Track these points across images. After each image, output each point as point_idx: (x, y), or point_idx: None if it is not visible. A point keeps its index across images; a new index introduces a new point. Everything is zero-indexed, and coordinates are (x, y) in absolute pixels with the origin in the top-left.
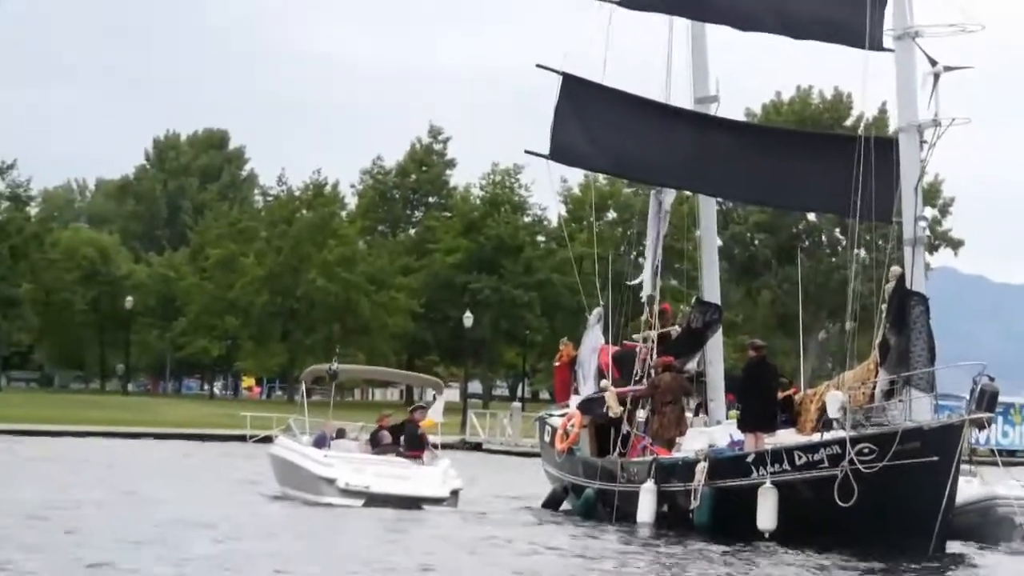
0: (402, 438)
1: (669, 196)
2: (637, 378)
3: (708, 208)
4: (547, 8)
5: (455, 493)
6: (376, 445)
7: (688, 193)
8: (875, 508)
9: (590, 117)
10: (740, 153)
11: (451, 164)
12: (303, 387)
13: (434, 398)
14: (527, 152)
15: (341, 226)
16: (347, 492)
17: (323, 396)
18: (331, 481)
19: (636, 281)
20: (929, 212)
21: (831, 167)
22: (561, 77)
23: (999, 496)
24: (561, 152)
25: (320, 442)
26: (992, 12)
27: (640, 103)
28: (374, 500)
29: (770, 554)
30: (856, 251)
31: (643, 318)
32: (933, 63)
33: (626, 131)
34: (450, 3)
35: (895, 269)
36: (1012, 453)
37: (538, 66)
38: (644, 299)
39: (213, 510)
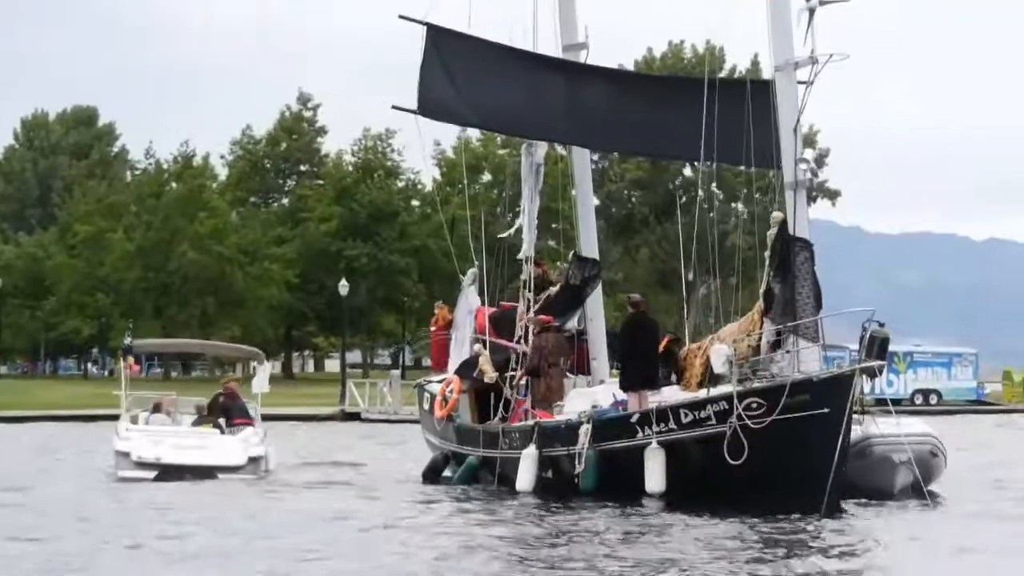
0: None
1: (541, 150)
2: (516, 339)
3: (582, 160)
4: None
5: (254, 460)
6: (210, 412)
7: (562, 151)
8: (766, 465)
9: (457, 69)
10: (613, 102)
11: (322, 131)
12: (123, 363)
13: (254, 370)
14: (394, 108)
15: (211, 198)
16: (140, 464)
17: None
18: (126, 455)
19: (506, 234)
20: (810, 154)
21: (706, 113)
22: (425, 28)
23: (873, 435)
24: (429, 107)
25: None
26: None
27: (508, 53)
28: (167, 471)
29: (657, 516)
30: (734, 205)
31: (521, 277)
32: None
33: (494, 83)
34: None
35: (777, 215)
36: (897, 402)
37: (400, 16)
38: (521, 258)
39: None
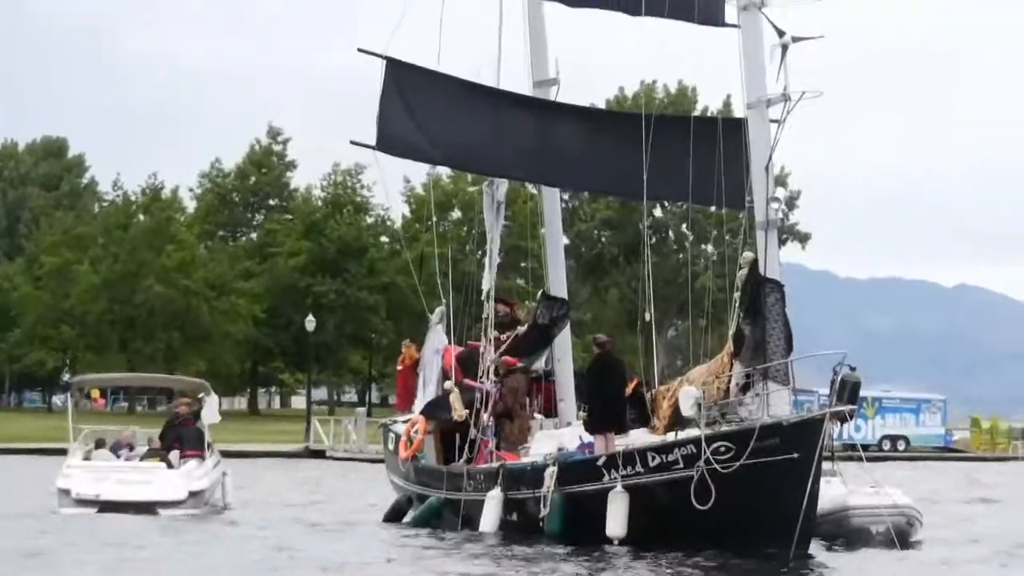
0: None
1: (503, 187)
2: (481, 379)
3: (552, 199)
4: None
5: (196, 495)
6: (162, 441)
7: (533, 190)
8: (734, 510)
9: (418, 104)
10: (582, 140)
11: (291, 166)
12: (69, 397)
13: (201, 401)
14: (352, 143)
15: (179, 231)
16: (80, 501)
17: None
18: (66, 492)
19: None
20: (782, 193)
21: (679, 152)
22: (384, 62)
23: (852, 506)
24: (388, 143)
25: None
26: None
27: (472, 88)
28: (107, 507)
29: (618, 560)
30: (704, 247)
31: (484, 315)
32: (781, 34)
33: (458, 119)
34: (287, 2)
35: (747, 255)
36: (865, 447)
37: (359, 50)
38: (484, 297)
39: None
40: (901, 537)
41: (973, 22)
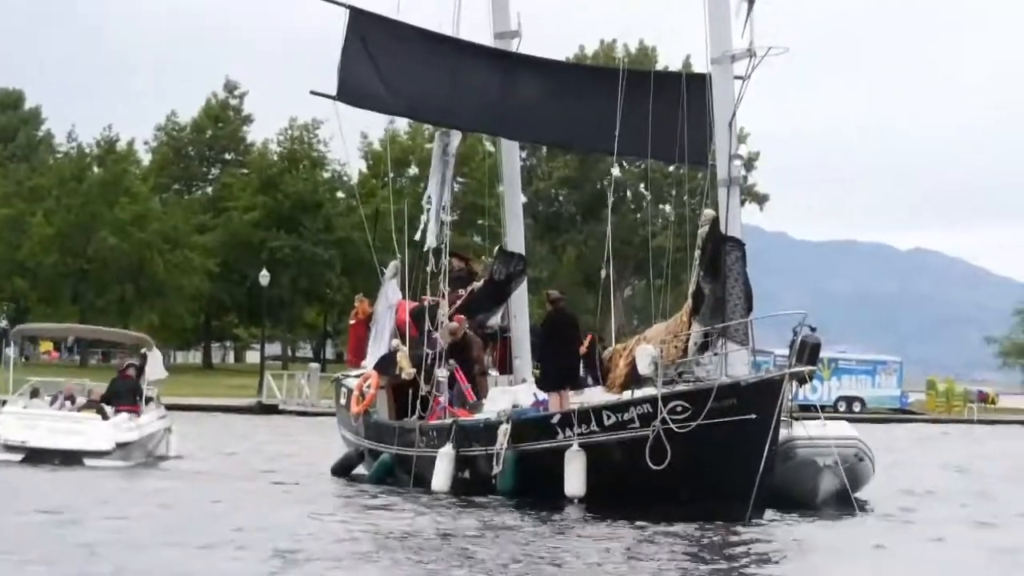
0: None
1: (456, 138)
2: (431, 335)
3: (511, 153)
4: None
5: (124, 447)
6: (111, 395)
7: (491, 147)
8: (690, 470)
9: (380, 54)
10: (544, 93)
11: (248, 120)
12: (12, 346)
13: (144, 356)
14: (312, 93)
15: (134, 184)
16: (8, 447)
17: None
18: None
19: (418, 235)
20: (744, 151)
21: (641, 107)
22: (348, 11)
23: (797, 438)
24: (349, 93)
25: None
26: None
27: (435, 39)
28: (34, 455)
29: (575, 522)
30: (662, 207)
31: (428, 269)
32: None
33: (420, 70)
34: None
35: (708, 212)
36: (821, 408)
37: None
38: (429, 250)
39: None
40: (851, 473)
41: None
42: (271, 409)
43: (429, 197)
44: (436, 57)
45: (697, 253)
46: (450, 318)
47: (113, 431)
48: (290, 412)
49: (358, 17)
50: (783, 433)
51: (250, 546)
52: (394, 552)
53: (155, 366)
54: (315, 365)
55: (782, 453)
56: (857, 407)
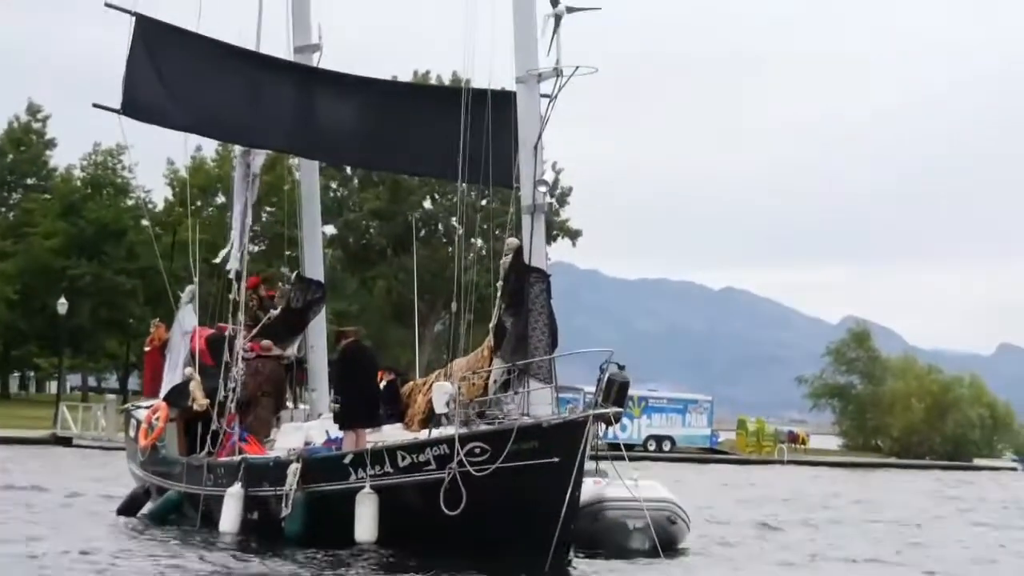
0: None
1: (259, 158)
2: (227, 364)
3: (310, 172)
4: None
5: None
6: None
7: (298, 174)
8: (488, 516)
9: (168, 66)
10: (345, 110)
11: (51, 144)
12: None
13: None
14: (95, 106)
15: None
16: None
17: None
18: None
19: (220, 257)
20: (550, 175)
21: (446, 126)
22: (133, 18)
23: (608, 498)
24: (135, 107)
25: None
26: None
27: (227, 51)
28: None
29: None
30: (473, 240)
31: (231, 296)
32: (555, 3)
33: (213, 84)
34: None
35: (512, 241)
36: (630, 447)
37: (107, 5)
38: (231, 275)
39: None
40: (663, 536)
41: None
42: (66, 442)
43: (231, 217)
44: (228, 69)
45: (499, 284)
46: (246, 349)
47: None
48: (85, 446)
49: (145, 25)
50: (593, 492)
51: None
52: None
53: None
54: (112, 397)
55: (592, 513)
56: (667, 446)
